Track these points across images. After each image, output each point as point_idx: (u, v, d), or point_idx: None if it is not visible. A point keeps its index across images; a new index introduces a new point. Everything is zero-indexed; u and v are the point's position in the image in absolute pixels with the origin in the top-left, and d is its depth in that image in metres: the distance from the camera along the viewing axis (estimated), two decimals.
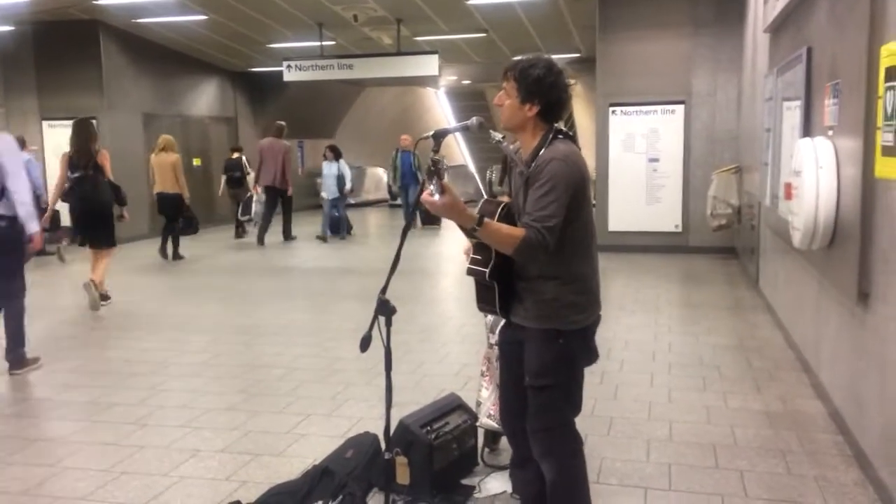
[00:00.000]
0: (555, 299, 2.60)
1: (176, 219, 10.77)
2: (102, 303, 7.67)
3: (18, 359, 5.47)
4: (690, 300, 7.73)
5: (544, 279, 2.61)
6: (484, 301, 2.76)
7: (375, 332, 2.65)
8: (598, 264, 2.75)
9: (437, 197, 2.38)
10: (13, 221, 5.23)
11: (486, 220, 2.45)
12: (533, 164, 2.56)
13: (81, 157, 7.51)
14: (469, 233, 2.50)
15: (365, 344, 2.71)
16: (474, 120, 2.65)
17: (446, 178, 2.45)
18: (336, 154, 13.02)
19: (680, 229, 10.65)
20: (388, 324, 2.74)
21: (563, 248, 2.57)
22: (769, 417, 4.31)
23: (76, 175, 7.51)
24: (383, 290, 2.72)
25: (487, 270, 2.62)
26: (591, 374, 2.79)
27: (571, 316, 2.61)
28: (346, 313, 7.25)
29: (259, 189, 12.70)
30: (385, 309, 2.72)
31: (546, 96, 2.58)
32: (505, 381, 2.93)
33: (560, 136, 2.60)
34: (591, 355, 2.74)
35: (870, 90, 3.33)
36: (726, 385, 4.89)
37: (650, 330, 6.38)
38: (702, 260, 10.04)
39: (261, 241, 12.47)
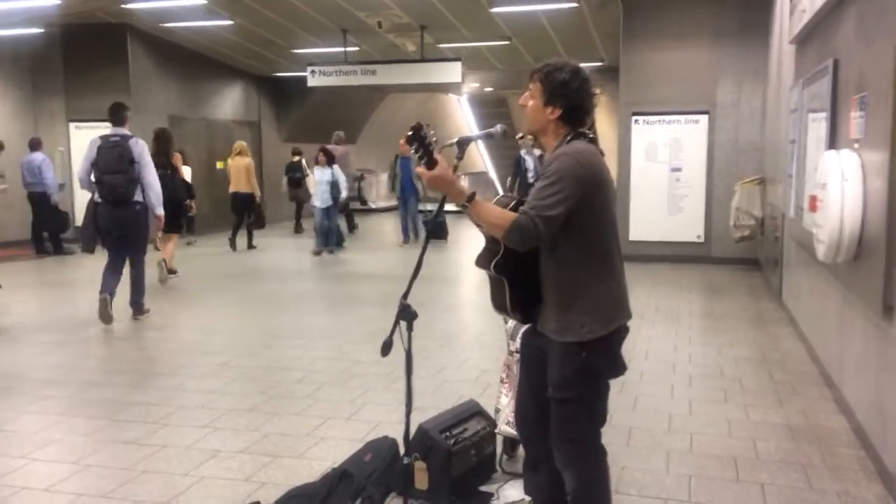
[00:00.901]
0: (576, 310, 2.58)
1: (249, 216, 12.38)
2: (170, 276, 9.32)
3: (139, 306, 7.21)
4: (712, 311, 7.68)
5: (566, 288, 2.60)
6: (495, 300, 2.74)
7: (396, 337, 2.67)
8: (622, 272, 2.73)
9: (422, 167, 2.42)
10: (144, 206, 6.95)
11: (478, 198, 2.45)
12: (548, 158, 2.57)
13: (160, 158, 8.70)
14: (462, 209, 2.51)
15: (386, 348, 2.72)
16: (498, 127, 2.67)
17: (437, 150, 2.45)
18: (329, 158, 11.90)
19: (702, 240, 10.59)
20: (410, 329, 2.76)
21: (584, 255, 2.56)
22: (791, 431, 4.27)
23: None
24: (405, 296, 2.74)
25: (493, 262, 2.62)
26: (611, 384, 2.78)
27: (593, 327, 2.57)
28: (365, 317, 7.28)
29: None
30: (406, 314, 2.73)
31: (569, 100, 2.59)
32: (523, 385, 2.92)
33: (581, 138, 2.60)
34: (617, 367, 2.69)
35: None
36: (748, 398, 4.85)
37: (671, 341, 6.34)
38: (724, 271, 9.97)
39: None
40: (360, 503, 3.20)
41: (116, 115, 7.04)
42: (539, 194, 2.45)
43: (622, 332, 2.68)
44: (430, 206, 14.04)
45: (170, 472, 3.72)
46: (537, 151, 10.64)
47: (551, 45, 13.56)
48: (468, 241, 13.13)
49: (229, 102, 16.21)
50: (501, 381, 3.73)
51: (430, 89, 20.96)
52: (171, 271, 9.42)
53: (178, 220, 9.29)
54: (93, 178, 6.85)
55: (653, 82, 10.63)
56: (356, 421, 4.43)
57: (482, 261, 2.70)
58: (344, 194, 12.07)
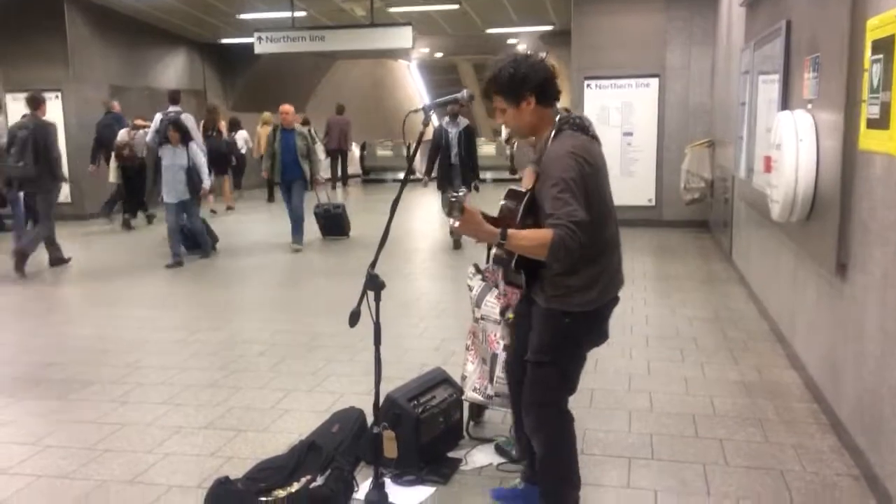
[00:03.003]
0: (565, 282, 2.62)
1: None
2: (229, 211, 13.20)
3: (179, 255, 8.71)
4: (665, 273, 7.80)
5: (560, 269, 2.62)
6: (511, 280, 2.83)
7: (364, 308, 2.65)
8: (619, 244, 2.79)
9: (457, 223, 2.46)
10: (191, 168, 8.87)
11: (510, 231, 2.45)
12: (543, 159, 2.56)
13: (209, 124, 12.45)
14: (499, 248, 2.53)
15: (354, 319, 2.72)
16: (465, 92, 2.65)
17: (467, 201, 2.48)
18: (184, 135, 8.58)
19: (653, 203, 10.72)
20: (377, 299, 2.75)
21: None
22: (746, 387, 4.39)
23: (206, 135, 11.84)
24: (372, 265, 2.72)
25: (514, 260, 2.63)
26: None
27: (580, 298, 2.62)
28: (320, 288, 7.24)
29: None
30: (374, 284, 2.72)
31: (529, 85, 2.58)
32: (511, 348, 3.02)
33: (569, 127, 2.59)
34: (600, 337, 2.77)
35: (852, 63, 3.36)
36: (703, 356, 4.96)
37: (627, 303, 6.39)
38: (675, 233, 10.13)
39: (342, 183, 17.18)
40: (329, 474, 3.19)
41: (174, 97, 10.19)
42: (558, 204, 2.43)
43: (612, 303, 2.75)
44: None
45: (132, 450, 3.66)
46: (463, 121, 9.28)
47: (502, 10, 13.46)
48: (374, 231, 13.08)
49: (173, 71, 15.74)
50: (467, 349, 3.73)
51: (379, 55, 20.67)
52: (230, 208, 13.31)
53: (224, 167, 12.79)
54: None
55: (604, 46, 10.64)
56: (320, 392, 4.40)
57: (502, 259, 2.71)
58: (206, 183, 8.71)
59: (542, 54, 2.72)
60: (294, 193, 9.32)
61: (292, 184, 9.30)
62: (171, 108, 9.92)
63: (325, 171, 16.12)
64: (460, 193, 2.45)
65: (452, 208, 2.44)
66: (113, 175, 11.36)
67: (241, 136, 14.38)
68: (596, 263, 2.63)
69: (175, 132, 8.51)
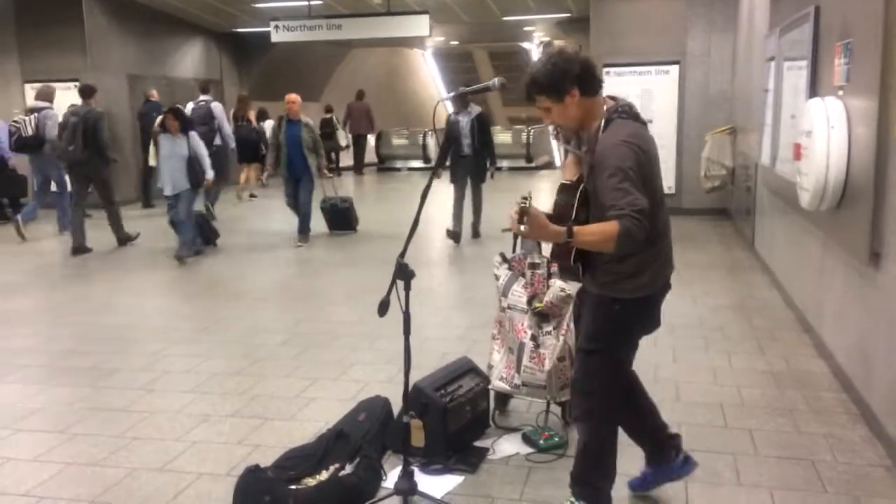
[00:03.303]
0: (616, 268, 2.60)
1: None
2: (251, 198, 13.55)
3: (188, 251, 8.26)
4: (687, 261, 7.72)
5: (614, 256, 2.60)
6: (567, 272, 2.82)
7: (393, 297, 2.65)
8: (670, 229, 2.75)
9: (523, 228, 2.41)
10: (217, 148, 10.25)
11: (576, 228, 2.42)
12: (596, 150, 2.52)
13: (239, 112, 13.23)
14: (566, 245, 2.50)
15: (383, 308, 2.71)
16: (496, 80, 2.63)
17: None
18: (184, 123, 8.05)
19: (673, 191, 10.62)
20: (407, 288, 2.74)
21: None
22: (774, 377, 4.35)
23: (237, 124, 12.81)
24: (402, 254, 2.70)
25: (571, 256, 2.61)
26: None
27: (630, 284, 2.60)
28: (340, 278, 7.25)
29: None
30: (404, 273, 2.71)
31: (570, 77, 2.55)
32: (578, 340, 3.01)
33: (619, 116, 2.56)
34: (652, 324, 2.76)
35: (887, 49, 3.30)
36: (729, 345, 4.93)
37: None
38: (695, 222, 10.03)
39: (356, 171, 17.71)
40: (358, 462, 3.19)
41: (204, 87, 11.40)
42: (619, 194, 2.39)
43: (664, 289, 2.73)
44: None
45: (161, 437, 3.68)
46: (475, 109, 8.68)
47: None
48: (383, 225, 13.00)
49: (190, 60, 15.75)
50: (493, 338, 3.72)
51: (395, 44, 20.58)
52: (252, 195, 13.59)
53: (253, 155, 13.12)
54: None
55: (623, 33, 10.53)
56: (344, 381, 4.41)
57: (559, 253, 2.69)
58: (209, 174, 8.16)
59: (561, 44, 2.69)
60: (301, 189, 8.80)
61: (299, 180, 8.79)
62: (202, 98, 10.79)
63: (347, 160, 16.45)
64: (527, 198, 2.39)
65: (522, 215, 2.38)
66: (154, 160, 11.44)
67: (270, 126, 14.48)
68: (649, 250, 2.60)
69: (174, 121, 7.86)
